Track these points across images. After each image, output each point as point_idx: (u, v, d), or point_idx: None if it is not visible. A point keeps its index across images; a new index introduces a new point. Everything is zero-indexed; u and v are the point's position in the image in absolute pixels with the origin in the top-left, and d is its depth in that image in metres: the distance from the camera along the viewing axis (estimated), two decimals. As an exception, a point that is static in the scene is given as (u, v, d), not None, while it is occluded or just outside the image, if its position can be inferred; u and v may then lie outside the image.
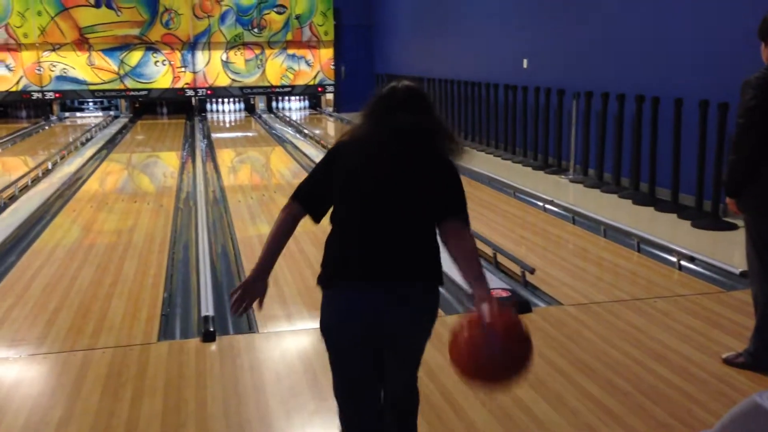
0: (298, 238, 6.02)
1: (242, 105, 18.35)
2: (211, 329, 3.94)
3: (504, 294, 4.40)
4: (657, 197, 7.21)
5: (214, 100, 18.01)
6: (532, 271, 4.81)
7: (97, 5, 16.61)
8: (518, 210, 7.10)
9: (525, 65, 10.38)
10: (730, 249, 5.61)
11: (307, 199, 2.19)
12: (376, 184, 2.07)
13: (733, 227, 6.13)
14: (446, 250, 2.15)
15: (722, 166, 6.27)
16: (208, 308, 4.19)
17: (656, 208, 6.94)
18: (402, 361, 2.19)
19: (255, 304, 2.19)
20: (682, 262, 5.09)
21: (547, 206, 7.03)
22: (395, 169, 2.07)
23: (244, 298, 2.16)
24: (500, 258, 5.23)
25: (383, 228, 2.07)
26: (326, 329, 2.16)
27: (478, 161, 10.06)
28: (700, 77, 6.78)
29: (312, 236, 5.50)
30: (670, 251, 5.27)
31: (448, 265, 2.26)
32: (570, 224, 6.44)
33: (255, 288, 2.18)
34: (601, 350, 3.72)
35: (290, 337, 3.98)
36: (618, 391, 3.27)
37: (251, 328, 4.11)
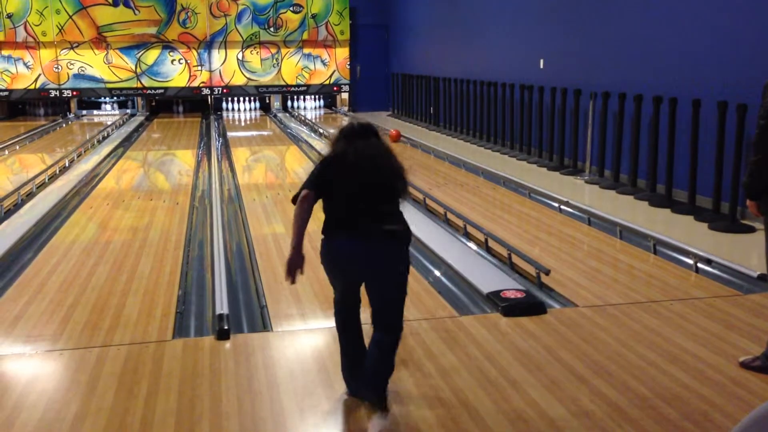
0: (312, 235, 6.01)
1: (258, 104, 18.40)
2: (226, 327, 3.95)
3: (519, 295, 4.38)
4: (674, 199, 7.16)
5: (229, 98, 18.08)
6: (547, 272, 4.79)
7: (115, 4, 16.72)
8: (533, 211, 7.07)
9: (541, 65, 10.34)
10: (747, 252, 5.56)
11: (316, 190, 3.06)
12: (359, 181, 3.02)
13: (750, 230, 6.07)
14: None
15: (740, 168, 6.22)
16: (222, 306, 4.20)
17: (673, 209, 6.88)
18: (381, 286, 3.05)
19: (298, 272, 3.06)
20: (699, 265, 5.05)
21: (563, 207, 6.99)
22: (368, 171, 3.03)
23: (291, 271, 3.03)
24: (515, 259, 5.21)
25: (362, 205, 3.02)
26: (324, 260, 3.13)
27: (493, 161, 10.03)
28: (719, 78, 6.73)
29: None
30: (687, 253, 5.23)
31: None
32: (585, 225, 6.41)
33: (296, 262, 3.05)
34: (616, 353, 3.70)
35: (304, 336, 3.99)
36: (634, 394, 3.25)
37: (266, 326, 4.13)
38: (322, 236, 3.09)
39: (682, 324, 4.06)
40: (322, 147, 11.35)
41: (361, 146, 3.08)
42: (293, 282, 3.04)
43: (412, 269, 5.03)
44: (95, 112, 17.66)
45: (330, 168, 3.08)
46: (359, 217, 3.01)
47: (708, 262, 5.04)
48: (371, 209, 3.02)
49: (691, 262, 5.12)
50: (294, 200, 3.09)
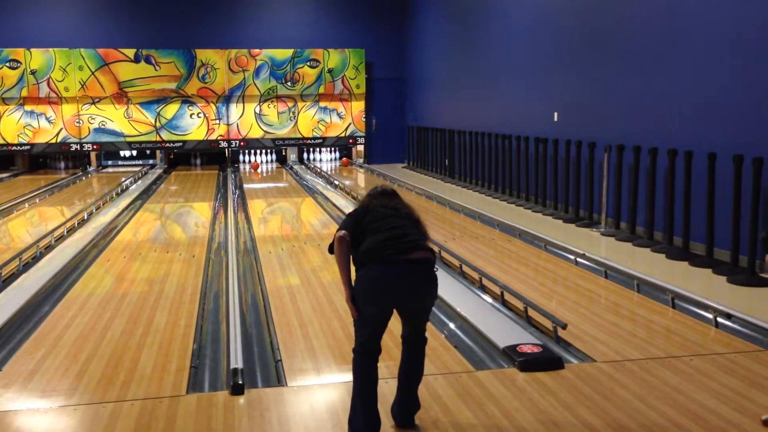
0: (327, 288, 6.02)
1: (274, 156, 18.65)
2: (240, 382, 3.93)
3: (536, 349, 4.33)
4: (691, 252, 7.11)
5: (246, 151, 18.33)
6: (564, 327, 4.74)
7: (136, 60, 17.13)
8: (549, 263, 7.04)
9: (555, 118, 10.42)
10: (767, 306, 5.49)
11: (352, 232, 3.39)
12: (391, 226, 3.42)
13: (770, 283, 6.00)
14: None
15: (758, 221, 6.18)
16: (237, 360, 4.18)
17: (690, 262, 6.83)
18: (420, 306, 3.42)
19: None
20: (719, 319, 4.98)
21: (579, 260, 6.96)
22: (396, 218, 3.47)
23: (352, 306, 3.34)
24: (531, 312, 5.17)
25: (399, 240, 3.36)
26: (364, 288, 3.30)
27: (508, 214, 10.03)
28: (734, 131, 6.74)
29: (340, 287, 5.49)
30: (706, 308, 5.17)
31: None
32: (602, 278, 6.36)
33: (353, 296, 3.35)
34: (636, 410, 3.63)
35: (319, 391, 3.95)
36: (654, 453, 3.18)
37: (280, 380, 4.10)
38: (359, 270, 3.34)
39: (703, 380, 4.00)
40: (337, 198, 11.45)
41: (386, 200, 3.57)
42: (358, 315, 3.33)
43: (427, 323, 5.01)
44: (119, 162, 17.96)
45: (362, 216, 3.46)
46: (395, 249, 3.30)
47: (728, 316, 4.98)
48: (403, 242, 3.34)
49: (710, 316, 5.06)
50: (330, 249, 3.41)
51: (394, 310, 3.39)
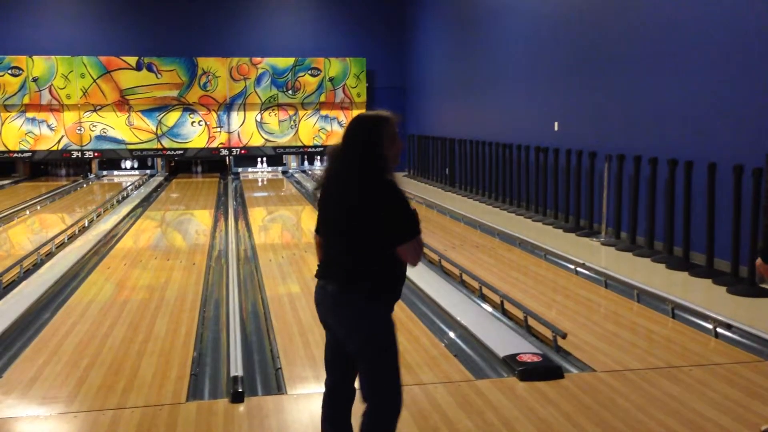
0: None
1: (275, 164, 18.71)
2: (240, 390, 3.93)
3: (536, 359, 4.34)
4: (691, 262, 7.11)
5: (247, 159, 18.38)
6: (564, 336, 4.75)
7: (138, 68, 17.18)
8: (549, 273, 7.05)
9: (556, 128, 10.44)
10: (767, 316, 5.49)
11: (319, 231, 2.86)
12: (327, 215, 2.76)
13: (770, 293, 6.00)
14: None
15: (758, 231, 6.18)
16: (237, 368, 4.19)
17: (690, 272, 6.83)
18: (347, 345, 2.73)
19: None
20: (719, 330, 4.99)
21: (579, 269, 6.96)
22: (338, 202, 2.67)
23: None
24: (531, 321, 5.17)
25: (330, 245, 2.76)
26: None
27: (508, 222, 10.04)
28: (734, 142, 6.76)
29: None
30: (706, 318, 5.17)
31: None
32: (602, 288, 6.36)
33: None
34: (636, 419, 3.63)
35: (319, 400, 3.93)
36: (654, 462, 3.18)
37: (280, 388, 4.10)
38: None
39: (703, 390, 4.00)
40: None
41: (331, 168, 2.72)
42: None
43: (427, 332, 5.01)
44: (116, 172, 17.96)
45: (320, 195, 2.80)
46: (325, 261, 2.76)
47: (728, 327, 4.98)
48: (331, 250, 2.74)
49: (710, 326, 5.06)
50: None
51: None
